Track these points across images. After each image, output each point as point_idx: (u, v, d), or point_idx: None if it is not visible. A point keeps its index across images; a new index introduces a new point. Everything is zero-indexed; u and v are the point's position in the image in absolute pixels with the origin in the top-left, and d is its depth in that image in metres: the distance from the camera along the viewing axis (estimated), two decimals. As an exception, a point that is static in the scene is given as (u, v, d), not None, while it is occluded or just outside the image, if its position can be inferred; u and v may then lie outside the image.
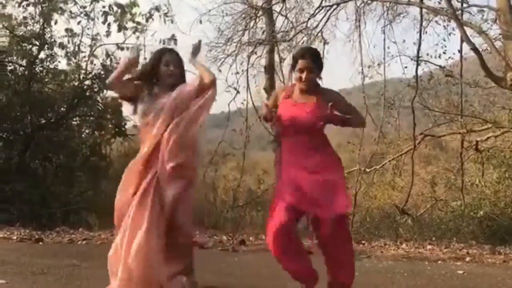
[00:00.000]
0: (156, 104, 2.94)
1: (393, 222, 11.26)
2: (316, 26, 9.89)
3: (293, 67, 3.05)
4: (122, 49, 11.41)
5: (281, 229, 2.83)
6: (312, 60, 2.96)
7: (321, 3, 9.70)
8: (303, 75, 2.94)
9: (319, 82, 3.08)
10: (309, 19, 9.86)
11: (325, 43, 10.37)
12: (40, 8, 11.11)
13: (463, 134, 10.38)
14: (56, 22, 11.27)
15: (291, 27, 10.26)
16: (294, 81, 3.06)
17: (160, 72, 3.02)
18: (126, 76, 3.02)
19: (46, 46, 11.39)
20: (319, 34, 10.14)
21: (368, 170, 11.35)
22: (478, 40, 8.12)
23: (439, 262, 5.13)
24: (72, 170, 11.65)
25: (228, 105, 10.60)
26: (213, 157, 11.21)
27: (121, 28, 11.21)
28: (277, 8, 10.58)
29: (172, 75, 3.01)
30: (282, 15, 10.50)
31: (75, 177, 11.89)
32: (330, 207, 2.82)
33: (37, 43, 11.34)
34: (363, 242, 6.64)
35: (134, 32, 11.29)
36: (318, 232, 2.93)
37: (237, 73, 10.48)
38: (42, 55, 11.50)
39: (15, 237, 6.14)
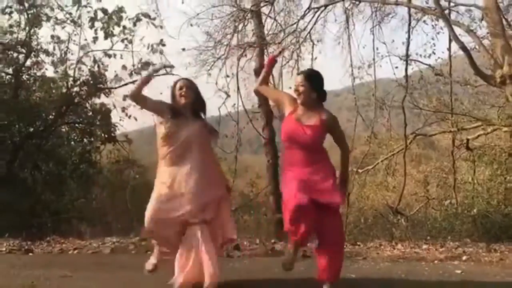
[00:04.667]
0: (180, 129, 3.55)
1: (386, 223, 11.23)
2: (305, 28, 9.85)
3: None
4: (109, 56, 11.31)
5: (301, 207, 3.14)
6: (305, 78, 3.39)
7: (310, 5, 9.64)
8: (298, 89, 3.39)
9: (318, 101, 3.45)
10: (298, 21, 9.78)
11: (314, 45, 10.36)
12: (26, 15, 10.96)
13: (454, 132, 10.39)
14: (40, 28, 11.15)
15: (280, 29, 10.21)
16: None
17: (176, 97, 3.63)
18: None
19: (33, 53, 11.25)
20: (308, 36, 10.12)
21: (360, 171, 11.31)
22: (466, 39, 8.11)
23: (436, 262, 5.06)
24: (62, 178, 11.48)
25: (219, 109, 10.41)
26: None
27: (107, 35, 11.06)
28: (265, 10, 10.46)
29: (184, 95, 3.60)
30: (270, 17, 10.43)
31: (65, 185, 11.71)
32: (332, 197, 3.31)
33: (23, 50, 11.18)
34: (358, 243, 6.53)
35: (122, 41, 11.16)
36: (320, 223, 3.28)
37: (227, 76, 10.39)
38: (28, 63, 11.39)
39: (4, 249, 5.95)
